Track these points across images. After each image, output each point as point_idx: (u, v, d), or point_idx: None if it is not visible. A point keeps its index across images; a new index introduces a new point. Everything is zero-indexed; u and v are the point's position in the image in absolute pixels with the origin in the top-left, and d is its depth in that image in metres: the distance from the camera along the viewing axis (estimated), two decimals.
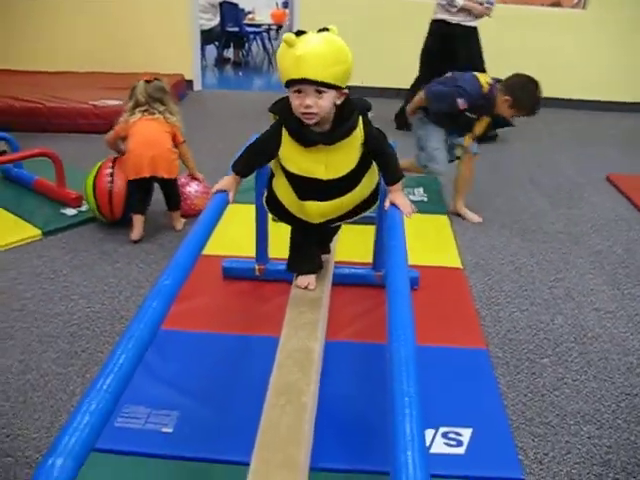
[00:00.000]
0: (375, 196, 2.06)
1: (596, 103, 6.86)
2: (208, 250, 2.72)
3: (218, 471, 1.71)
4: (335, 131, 1.77)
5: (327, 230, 2.20)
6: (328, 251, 2.37)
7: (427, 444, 1.83)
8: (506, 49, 6.17)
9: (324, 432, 1.77)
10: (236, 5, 9.62)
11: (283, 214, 2.06)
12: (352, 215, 2.05)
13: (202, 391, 2.02)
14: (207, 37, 9.10)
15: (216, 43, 9.88)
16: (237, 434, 1.78)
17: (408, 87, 5.33)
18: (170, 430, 1.85)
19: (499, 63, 6.28)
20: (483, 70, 4.48)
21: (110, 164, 3.23)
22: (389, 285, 1.47)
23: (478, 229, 3.47)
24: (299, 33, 1.63)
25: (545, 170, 4.66)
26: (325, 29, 1.67)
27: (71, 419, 0.94)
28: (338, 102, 1.73)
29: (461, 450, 1.82)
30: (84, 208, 3.45)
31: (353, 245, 2.90)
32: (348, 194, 1.92)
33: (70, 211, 3.43)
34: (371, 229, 2.67)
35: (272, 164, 2.00)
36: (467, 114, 3.32)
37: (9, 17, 4.44)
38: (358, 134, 1.81)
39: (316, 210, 1.95)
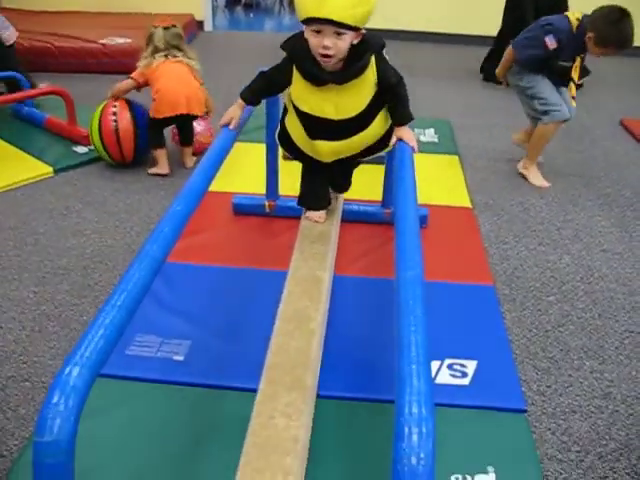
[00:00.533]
0: (389, 137, 1.98)
1: None
2: (218, 187, 2.77)
3: (228, 397, 1.76)
4: (346, 70, 1.74)
5: (340, 169, 2.17)
6: (344, 190, 2.35)
7: (433, 375, 1.87)
8: None
9: (331, 361, 1.81)
10: None
11: (295, 151, 2.06)
12: (365, 155, 2.03)
13: (213, 321, 2.07)
14: None
15: None
16: (247, 362, 1.82)
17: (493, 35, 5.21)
18: (181, 358, 1.90)
19: None
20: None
21: (113, 103, 3.21)
22: (397, 217, 1.48)
23: (489, 170, 3.46)
24: None
25: None
26: None
27: (86, 331, 0.97)
28: (355, 42, 1.68)
29: (465, 381, 1.86)
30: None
31: (363, 183, 2.90)
32: (359, 134, 1.90)
33: (81, 149, 3.45)
34: (381, 168, 2.68)
35: (285, 100, 1.98)
36: (561, 63, 3.11)
37: None
38: (370, 74, 1.77)
39: (326, 149, 1.93)
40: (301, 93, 1.84)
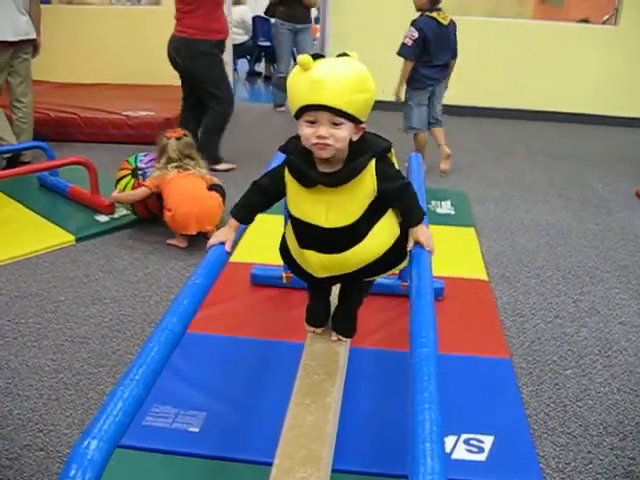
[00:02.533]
0: (400, 256, 1.73)
1: (626, 120, 6.81)
2: (238, 257, 2.81)
3: (243, 471, 1.75)
4: (339, 172, 1.55)
5: (341, 296, 1.97)
6: (347, 332, 2.01)
7: (449, 450, 1.85)
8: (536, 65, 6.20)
9: (346, 435, 1.80)
10: (268, 20, 9.74)
11: (291, 264, 1.85)
12: (366, 274, 1.76)
13: (229, 393, 2.07)
14: (239, 51, 9.23)
15: (247, 57, 10.00)
16: (262, 435, 1.81)
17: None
18: (197, 430, 1.89)
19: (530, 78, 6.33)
20: None
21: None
22: (412, 293, 1.50)
23: (505, 243, 3.48)
24: (316, 56, 1.46)
25: (573, 185, 4.65)
26: (345, 54, 1.49)
27: (105, 405, 0.99)
28: (354, 138, 1.52)
29: (482, 457, 1.84)
30: (116, 215, 3.54)
31: None
32: (353, 248, 1.65)
33: (103, 218, 3.52)
34: None
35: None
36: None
37: (44, 30, 4.59)
38: (367, 179, 1.57)
39: (316, 261, 1.69)
40: (293, 196, 1.66)
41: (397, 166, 1.68)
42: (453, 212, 3.88)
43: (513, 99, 6.74)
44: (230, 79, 7.33)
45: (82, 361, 2.28)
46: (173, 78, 4.59)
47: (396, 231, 1.70)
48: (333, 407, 1.58)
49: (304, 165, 1.57)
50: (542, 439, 1.97)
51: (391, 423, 1.94)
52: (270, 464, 1.46)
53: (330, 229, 1.61)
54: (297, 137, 1.57)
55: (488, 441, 1.90)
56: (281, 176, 1.65)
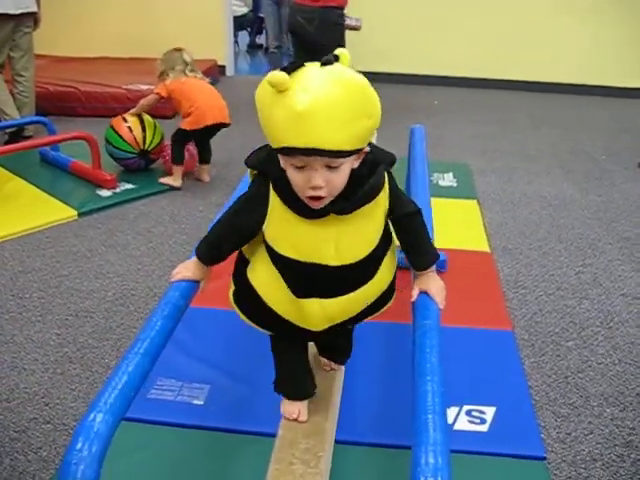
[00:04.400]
0: (392, 287, 1.41)
1: (630, 90, 6.75)
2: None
3: (247, 442, 1.77)
4: (352, 195, 1.19)
5: (330, 338, 1.51)
6: (345, 356, 1.69)
7: (451, 421, 1.87)
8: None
9: (350, 406, 1.82)
10: None
11: (265, 319, 1.38)
12: (366, 315, 1.40)
13: (233, 366, 2.09)
14: (239, 23, 9.14)
15: (248, 29, 9.91)
16: (266, 407, 1.83)
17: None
18: (201, 402, 1.91)
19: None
20: None
21: (122, 119, 3.73)
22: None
23: (507, 215, 3.48)
24: (292, 68, 1.06)
25: (576, 156, 4.63)
26: (329, 61, 1.09)
27: (110, 378, 1.00)
28: (356, 165, 1.18)
29: (484, 428, 1.86)
30: (119, 190, 3.54)
31: None
32: (365, 285, 1.31)
33: (105, 192, 3.52)
34: None
35: (245, 246, 1.35)
36: None
37: (44, 4, 4.55)
38: (382, 198, 1.25)
39: (319, 312, 1.30)
40: (282, 230, 1.24)
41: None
42: (455, 184, 3.87)
43: (516, 70, 6.68)
44: (232, 51, 7.33)
45: (86, 335, 2.29)
46: None
47: (395, 261, 1.38)
48: (337, 378, 1.60)
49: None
50: (543, 410, 1.99)
51: (395, 394, 1.96)
52: (274, 435, 1.48)
53: (341, 267, 1.25)
54: (272, 151, 1.16)
55: (490, 412, 1.92)
56: (264, 202, 1.23)
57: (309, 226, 1.20)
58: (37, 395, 1.98)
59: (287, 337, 1.43)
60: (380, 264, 1.31)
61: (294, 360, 1.52)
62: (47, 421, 1.88)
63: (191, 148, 3.78)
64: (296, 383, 1.52)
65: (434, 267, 1.37)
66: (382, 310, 1.42)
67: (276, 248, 1.25)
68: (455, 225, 3.23)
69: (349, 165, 1.14)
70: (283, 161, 1.14)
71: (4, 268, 2.74)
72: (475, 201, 3.61)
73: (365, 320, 1.42)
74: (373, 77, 1.22)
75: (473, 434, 1.83)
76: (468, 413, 1.91)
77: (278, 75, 1.03)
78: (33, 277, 2.68)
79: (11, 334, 2.28)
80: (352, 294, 1.29)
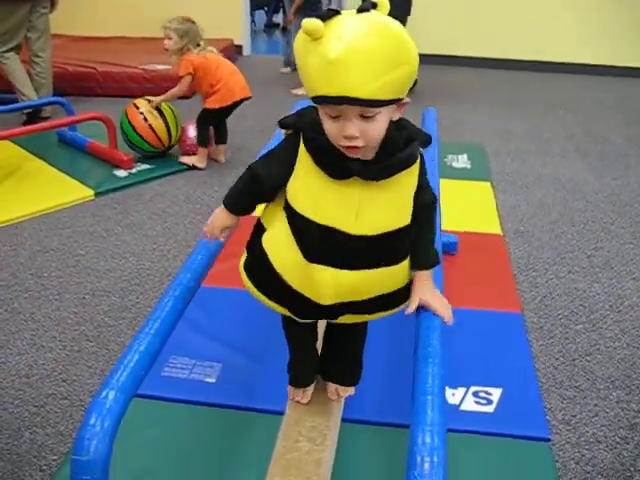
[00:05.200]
0: (409, 290, 1.32)
1: None
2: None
3: (256, 419, 1.82)
4: (383, 160, 1.15)
5: (340, 330, 1.49)
6: (355, 379, 1.62)
7: (458, 402, 1.91)
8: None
9: (356, 385, 1.86)
10: None
11: (273, 287, 1.31)
12: (376, 308, 1.34)
13: (244, 345, 2.13)
14: (256, 2, 9.12)
15: (265, 8, 9.89)
16: (276, 385, 1.87)
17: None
18: (213, 380, 1.96)
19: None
20: None
21: (135, 107, 3.66)
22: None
23: (521, 197, 3.48)
24: (328, 15, 1.04)
25: (592, 138, 4.60)
26: (366, 8, 1.06)
27: (122, 357, 1.04)
28: (395, 118, 1.15)
29: (490, 408, 1.89)
30: (134, 170, 3.59)
31: None
32: (383, 267, 1.24)
33: (121, 172, 3.57)
34: None
35: (265, 211, 1.33)
36: None
37: None
38: (412, 175, 1.21)
39: (329, 281, 1.23)
40: (305, 189, 1.20)
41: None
42: (469, 166, 3.88)
43: (532, 51, 6.63)
44: (248, 30, 7.32)
45: (103, 314, 2.35)
46: None
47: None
48: None
49: (333, 149, 1.14)
50: (550, 392, 2.01)
51: (401, 373, 1.98)
52: (283, 413, 1.52)
53: (359, 237, 1.20)
54: (314, 112, 1.17)
55: (496, 393, 1.95)
56: (291, 160, 1.20)
57: (333, 186, 1.17)
58: (55, 371, 2.04)
59: (294, 313, 1.35)
60: (404, 250, 1.26)
61: (300, 348, 1.54)
62: (64, 397, 1.93)
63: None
64: (298, 372, 1.56)
65: (431, 273, 1.31)
66: (396, 309, 1.36)
67: (295, 207, 1.21)
68: (468, 207, 3.25)
69: (386, 115, 1.10)
70: (320, 111, 1.12)
71: (23, 247, 2.80)
72: (489, 183, 3.62)
73: (377, 318, 1.38)
74: None
75: (479, 414, 1.87)
76: (475, 394, 1.94)
77: (313, 22, 1.02)
78: (51, 256, 2.74)
79: (30, 312, 2.34)
80: (368, 271, 1.23)
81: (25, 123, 4.25)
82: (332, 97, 1.04)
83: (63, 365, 2.07)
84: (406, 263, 1.27)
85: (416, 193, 1.23)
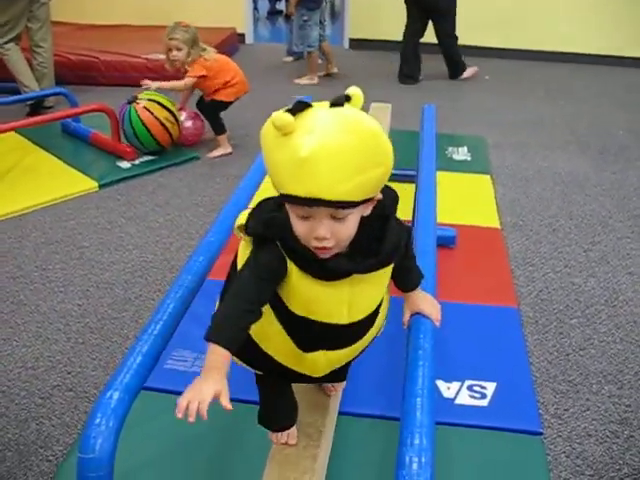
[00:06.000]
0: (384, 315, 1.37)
1: None
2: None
3: (256, 412, 1.86)
4: (372, 254, 1.13)
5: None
6: (343, 377, 1.61)
7: (452, 395, 1.95)
8: None
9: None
10: None
11: (261, 363, 1.33)
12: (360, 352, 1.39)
13: None
14: None
15: None
16: None
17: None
18: None
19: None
20: None
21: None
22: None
23: (520, 191, 3.51)
24: (299, 108, 0.98)
25: (593, 131, 4.62)
26: (339, 102, 1.00)
27: (125, 358, 1.09)
28: (366, 214, 1.09)
29: (484, 402, 1.94)
30: (138, 162, 3.62)
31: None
32: (367, 334, 1.30)
33: (125, 164, 3.61)
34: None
35: None
36: None
37: None
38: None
39: (324, 362, 1.29)
40: (298, 293, 1.17)
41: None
42: (470, 158, 3.90)
43: (536, 41, 6.63)
44: (251, 18, 7.32)
45: (106, 306, 2.39)
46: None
47: (387, 293, 1.33)
48: None
49: (311, 252, 1.08)
50: (543, 386, 2.06)
51: (398, 367, 2.03)
52: None
53: (351, 324, 1.22)
54: (283, 212, 1.08)
55: (491, 387, 1.99)
56: (280, 269, 1.13)
57: (324, 288, 1.14)
58: (60, 363, 2.09)
59: (283, 378, 1.37)
60: (379, 311, 1.28)
61: (280, 395, 1.46)
62: (69, 389, 1.99)
63: (199, 120, 3.93)
64: (280, 417, 1.46)
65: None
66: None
67: (291, 308, 1.19)
68: (467, 200, 3.28)
69: (357, 215, 1.05)
70: (288, 209, 1.06)
71: (28, 239, 2.85)
72: (488, 176, 3.65)
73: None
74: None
75: (473, 408, 1.91)
76: (470, 388, 1.99)
77: (283, 117, 0.95)
78: (55, 248, 2.79)
79: (35, 304, 2.39)
80: (356, 344, 1.28)
81: (29, 114, 4.29)
82: (302, 198, 0.97)
83: (68, 357, 2.13)
84: (381, 315, 1.30)
85: (395, 253, 1.19)
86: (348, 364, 1.51)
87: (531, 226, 3.12)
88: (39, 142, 3.87)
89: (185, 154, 3.78)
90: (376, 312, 1.26)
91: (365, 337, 1.29)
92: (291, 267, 1.12)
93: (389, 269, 1.20)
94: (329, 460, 1.49)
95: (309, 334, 1.22)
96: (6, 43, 4.27)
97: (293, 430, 1.45)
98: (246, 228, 1.13)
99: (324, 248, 1.05)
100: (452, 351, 2.12)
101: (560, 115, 4.97)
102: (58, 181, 3.39)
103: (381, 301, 1.26)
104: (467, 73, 5.88)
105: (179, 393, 1.89)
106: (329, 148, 0.94)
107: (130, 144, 3.66)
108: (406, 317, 1.33)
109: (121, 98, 3.87)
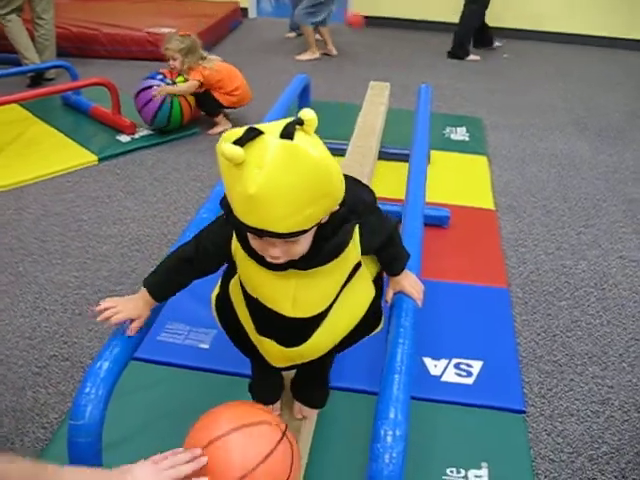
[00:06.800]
0: (377, 317, 1.38)
1: None
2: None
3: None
4: (315, 253, 1.12)
5: (305, 372, 1.53)
6: (319, 403, 1.61)
7: (439, 373, 2.00)
8: None
9: (342, 354, 1.95)
10: None
11: (238, 336, 1.40)
12: (338, 351, 1.41)
13: None
14: None
15: None
16: None
17: None
18: (207, 346, 2.06)
19: None
20: None
21: (152, 83, 3.59)
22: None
23: (516, 172, 3.54)
24: (248, 137, 0.97)
25: (592, 113, 4.62)
26: (289, 133, 0.97)
27: (116, 330, 1.13)
28: (324, 221, 1.08)
29: (470, 380, 1.99)
30: (137, 136, 3.64)
31: (387, 181, 2.98)
32: (318, 335, 1.29)
33: (124, 138, 3.63)
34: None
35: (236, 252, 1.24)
36: None
37: None
38: (350, 250, 1.18)
39: (278, 353, 1.33)
40: (247, 274, 1.23)
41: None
42: (467, 139, 3.92)
43: (535, 21, 6.59)
44: None
45: (103, 279, 2.44)
46: None
47: (371, 292, 1.34)
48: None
49: None
50: (529, 366, 2.11)
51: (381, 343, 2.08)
52: None
53: (297, 319, 1.23)
54: None
55: (477, 366, 2.04)
56: (227, 247, 1.22)
57: (269, 275, 1.17)
58: (57, 334, 2.14)
59: (254, 359, 1.45)
60: (331, 307, 1.27)
61: (263, 371, 1.50)
62: (66, 358, 2.04)
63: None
64: (263, 391, 1.56)
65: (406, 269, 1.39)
66: (363, 338, 1.40)
67: (245, 286, 1.26)
68: (462, 181, 3.31)
69: (310, 234, 1.07)
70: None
71: (27, 211, 2.88)
72: (485, 157, 3.67)
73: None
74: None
75: (459, 386, 1.96)
76: (456, 366, 2.04)
77: (232, 150, 0.94)
78: (54, 221, 2.82)
79: (33, 275, 2.44)
80: (308, 343, 1.28)
81: (29, 86, 4.30)
82: (253, 228, 1.00)
83: (65, 328, 2.17)
84: (337, 318, 1.29)
85: (364, 249, 1.21)
86: (312, 386, 1.56)
87: (525, 208, 3.15)
88: (40, 114, 3.88)
89: (185, 129, 3.79)
90: (325, 313, 1.25)
91: (316, 338, 1.28)
92: (239, 250, 1.17)
93: (341, 271, 1.21)
94: (313, 435, 1.54)
95: (260, 316, 1.27)
96: (7, 14, 4.27)
97: (277, 405, 1.56)
98: (221, 202, 1.13)
99: (277, 259, 1.08)
100: (441, 329, 2.17)
101: (560, 97, 4.96)
102: (58, 154, 3.42)
103: (333, 302, 1.25)
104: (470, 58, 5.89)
105: (172, 365, 1.98)
106: (278, 185, 0.94)
107: (153, 122, 3.66)
108: (389, 295, 1.39)
109: (122, 71, 3.89)
